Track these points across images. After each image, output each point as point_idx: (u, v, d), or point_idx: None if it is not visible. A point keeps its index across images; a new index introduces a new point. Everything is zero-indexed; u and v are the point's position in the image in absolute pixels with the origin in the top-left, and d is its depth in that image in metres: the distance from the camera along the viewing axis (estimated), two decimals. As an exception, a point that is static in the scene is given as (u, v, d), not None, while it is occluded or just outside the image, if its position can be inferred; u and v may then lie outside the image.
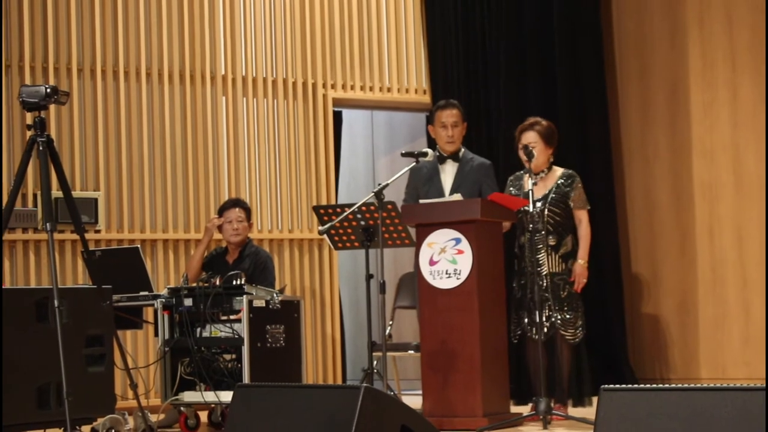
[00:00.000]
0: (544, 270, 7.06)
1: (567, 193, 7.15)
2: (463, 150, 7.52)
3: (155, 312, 7.03)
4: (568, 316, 7.06)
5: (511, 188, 7.25)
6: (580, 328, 7.11)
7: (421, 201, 7.17)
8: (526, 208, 6.84)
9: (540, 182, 7.12)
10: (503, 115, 9.16)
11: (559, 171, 7.23)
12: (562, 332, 7.05)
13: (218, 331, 6.79)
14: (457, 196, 6.99)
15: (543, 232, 7.06)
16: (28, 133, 5.33)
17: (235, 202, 7.81)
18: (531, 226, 7.01)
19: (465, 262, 6.69)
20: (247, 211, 7.78)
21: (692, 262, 8.86)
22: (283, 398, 3.77)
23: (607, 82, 9.33)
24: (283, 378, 6.72)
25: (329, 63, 9.23)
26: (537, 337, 6.89)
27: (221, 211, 7.78)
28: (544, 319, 6.99)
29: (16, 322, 5.76)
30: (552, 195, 7.12)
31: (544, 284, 7.04)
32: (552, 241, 7.09)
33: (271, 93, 9.01)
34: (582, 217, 7.20)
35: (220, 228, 7.71)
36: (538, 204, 7.04)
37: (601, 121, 9.27)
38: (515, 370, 7.48)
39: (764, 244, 8.41)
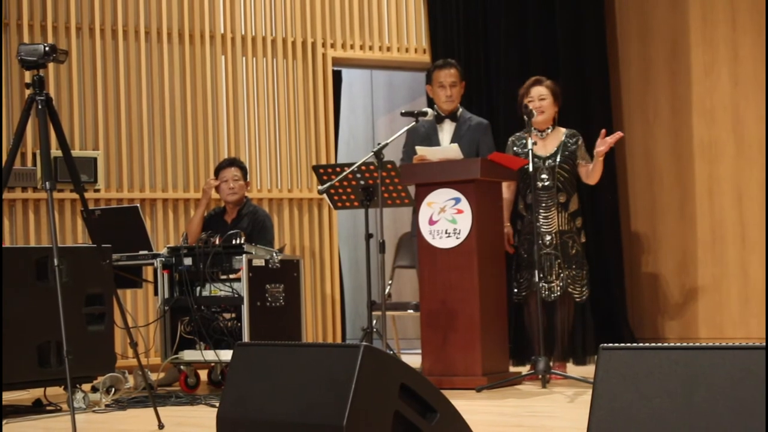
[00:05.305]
0: (554, 228, 7.04)
1: (574, 151, 7.13)
2: (461, 110, 7.48)
3: (155, 271, 7.04)
4: (575, 273, 7.05)
5: (515, 149, 7.20)
6: (586, 286, 7.11)
7: (417, 147, 7.11)
8: (528, 166, 6.80)
9: (545, 140, 7.10)
10: (503, 75, 9.13)
11: (562, 130, 7.21)
12: (570, 290, 7.05)
13: (218, 290, 6.80)
14: (455, 146, 6.95)
15: (554, 189, 7.04)
16: (27, 92, 5.30)
17: (231, 162, 7.81)
18: (540, 184, 6.99)
19: (464, 222, 6.67)
20: (244, 170, 7.77)
21: (692, 222, 8.86)
22: (282, 357, 3.77)
23: (607, 42, 9.29)
24: (283, 337, 6.73)
25: (329, 22, 9.20)
26: (548, 296, 6.91)
27: (217, 171, 7.78)
28: (554, 276, 7.00)
29: (15, 281, 5.78)
30: (562, 152, 7.10)
31: (553, 242, 7.02)
32: (562, 199, 7.07)
33: (270, 52, 8.98)
34: None
35: (217, 189, 7.71)
36: (549, 161, 7.03)
37: (602, 81, 9.24)
38: (513, 330, 7.49)
39: (764, 204, 8.41)
